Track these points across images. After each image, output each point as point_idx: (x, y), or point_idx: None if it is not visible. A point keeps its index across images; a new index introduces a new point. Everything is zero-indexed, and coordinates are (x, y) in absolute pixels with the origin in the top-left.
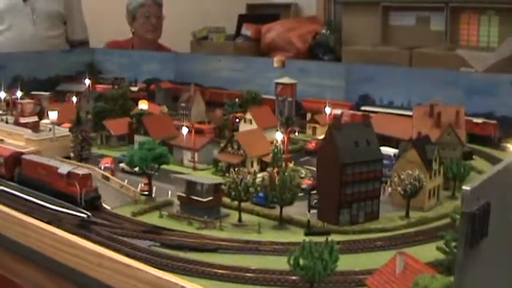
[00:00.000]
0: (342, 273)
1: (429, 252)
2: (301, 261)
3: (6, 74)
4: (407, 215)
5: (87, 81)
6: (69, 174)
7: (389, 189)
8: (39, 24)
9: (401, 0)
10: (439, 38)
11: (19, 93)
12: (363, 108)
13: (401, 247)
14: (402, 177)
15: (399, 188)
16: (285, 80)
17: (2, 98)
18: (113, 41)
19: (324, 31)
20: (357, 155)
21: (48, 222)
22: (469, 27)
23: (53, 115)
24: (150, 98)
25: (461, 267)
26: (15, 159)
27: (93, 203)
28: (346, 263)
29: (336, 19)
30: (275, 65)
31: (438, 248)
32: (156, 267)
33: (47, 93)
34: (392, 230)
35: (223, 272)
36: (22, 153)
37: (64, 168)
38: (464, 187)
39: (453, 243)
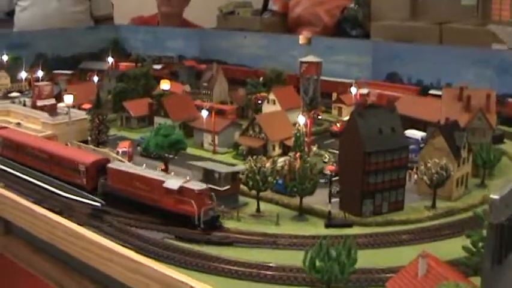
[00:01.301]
0: (363, 271)
1: (456, 248)
2: (317, 263)
3: (30, 52)
4: (433, 206)
5: (110, 59)
6: (182, 190)
7: (416, 176)
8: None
9: None
10: (470, 13)
11: (40, 73)
12: (432, 92)
13: (426, 242)
14: (428, 165)
15: (425, 177)
16: (310, 58)
17: (24, 77)
18: (138, 16)
19: (352, 5)
20: (380, 143)
21: (59, 212)
22: (501, 2)
23: (69, 99)
24: (174, 76)
25: (487, 284)
26: (99, 168)
27: (212, 223)
28: (367, 258)
29: None
30: (301, 41)
31: (464, 248)
32: (168, 263)
33: (68, 72)
34: (417, 222)
35: (238, 268)
36: (107, 161)
37: (172, 182)
38: (492, 195)
39: (480, 244)
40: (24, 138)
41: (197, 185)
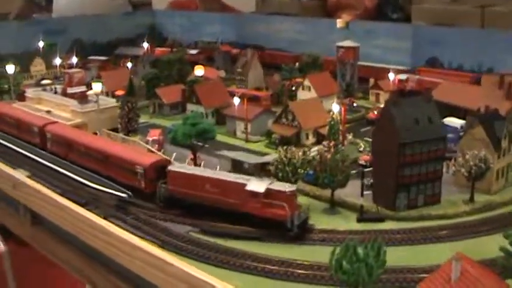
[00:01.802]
0: (394, 269)
1: (494, 246)
2: (344, 264)
3: (67, 38)
4: (471, 199)
5: (146, 45)
6: (269, 192)
7: (454, 167)
8: None
9: None
10: None
11: (74, 59)
12: None
13: (462, 239)
14: (467, 157)
15: (463, 170)
16: (347, 43)
17: (58, 64)
18: (176, 0)
19: None
20: (416, 134)
21: (85, 204)
22: None
23: (97, 86)
24: (210, 61)
25: None
26: (159, 170)
27: (304, 226)
28: (399, 255)
29: None
30: (338, 26)
31: (501, 249)
32: (191, 258)
33: (103, 58)
34: (454, 217)
35: (264, 266)
36: (167, 163)
37: (256, 184)
38: None
39: None
40: (76, 134)
41: (285, 186)
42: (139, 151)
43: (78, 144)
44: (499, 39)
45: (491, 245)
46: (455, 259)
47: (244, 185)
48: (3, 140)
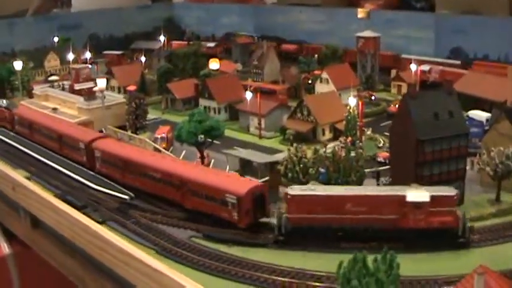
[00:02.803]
0: (411, 281)
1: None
2: (351, 278)
3: (83, 33)
4: (497, 199)
5: (162, 38)
6: (435, 199)
7: (478, 165)
8: None
9: None
10: None
11: (88, 54)
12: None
13: (486, 244)
14: (492, 154)
15: (488, 168)
16: (367, 33)
17: (71, 59)
18: None
19: None
20: (436, 130)
21: (83, 207)
22: None
23: (102, 82)
24: (227, 54)
25: None
26: (256, 198)
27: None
28: (420, 263)
29: None
30: (359, 15)
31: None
32: (191, 267)
33: (117, 52)
34: (478, 219)
35: (267, 276)
36: (265, 188)
37: (417, 194)
38: None
39: None
40: (134, 153)
41: (447, 190)
42: (226, 175)
43: (139, 166)
44: None
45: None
46: (478, 273)
47: (403, 197)
48: (41, 155)
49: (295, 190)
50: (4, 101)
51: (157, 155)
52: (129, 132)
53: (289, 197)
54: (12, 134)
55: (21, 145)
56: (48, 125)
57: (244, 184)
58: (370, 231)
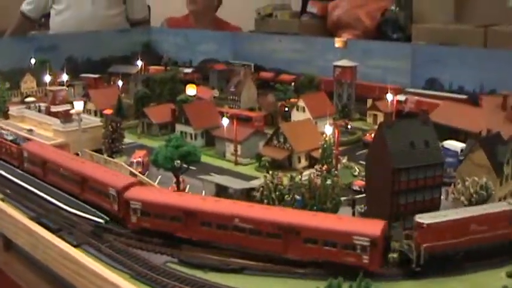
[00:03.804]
0: None
1: (496, 281)
2: None
3: (60, 55)
4: None
5: (140, 63)
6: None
7: (453, 194)
8: (98, 3)
9: None
10: None
11: (65, 77)
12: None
13: (461, 273)
14: (467, 184)
15: (463, 198)
16: (344, 62)
17: (48, 81)
18: (171, 18)
19: (393, 8)
20: (412, 159)
21: (58, 230)
22: None
23: (79, 105)
24: (205, 80)
25: None
26: (386, 238)
27: None
28: None
29: None
30: (336, 45)
31: (508, 275)
32: None
33: (94, 76)
34: None
35: None
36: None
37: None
38: None
39: None
40: (196, 201)
41: None
42: (342, 218)
43: (213, 216)
44: (501, 59)
45: (494, 281)
46: None
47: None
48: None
49: (425, 218)
50: (9, 133)
51: (221, 202)
52: (105, 156)
53: (424, 226)
54: (19, 172)
55: (31, 186)
56: (68, 165)
57: (373, 225)
58: (487, 248)
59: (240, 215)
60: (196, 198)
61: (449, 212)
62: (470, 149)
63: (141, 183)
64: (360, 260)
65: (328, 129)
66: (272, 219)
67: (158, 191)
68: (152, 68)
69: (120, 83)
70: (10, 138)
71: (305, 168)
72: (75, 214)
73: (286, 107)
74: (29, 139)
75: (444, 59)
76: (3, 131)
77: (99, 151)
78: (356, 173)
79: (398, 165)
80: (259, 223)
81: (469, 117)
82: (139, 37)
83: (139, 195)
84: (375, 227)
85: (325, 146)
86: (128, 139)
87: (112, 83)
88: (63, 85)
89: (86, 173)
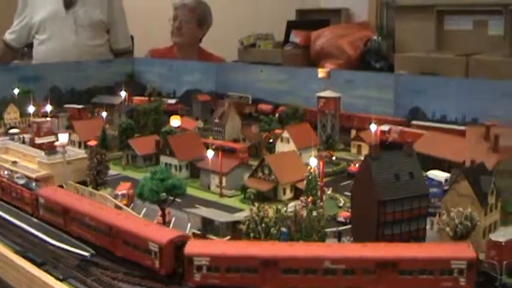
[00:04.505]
0: None
1: None
2: None
3: (44, 85)
4: None
5: (123, 93)
6: None
7: (438, 225)
8: (81, 33)
9: (456, 4)
10: (497, 43)
11: (49, 107)
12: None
13: None
14: (452, 214)
15: (448, 229)
16: (328, 93)
17: (31, 112)
18: (156, 49)
19: (375, 37)
20: (397, 190)
21: (42, 264)
22: None
23: (63, 137)
24: (189, 111)
25: None
26: None
27: None
28: None
29: (389, 25)
30: (320, 75)
31: None
32: None
33: (78, 106)
34: None
35: None
36: None
37: None
38: None
39: None
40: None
41: None
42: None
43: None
44: (483, 88)
45: None
46: None
47: None
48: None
49: (499, 236)
50: (21, 175)
51: (297, 245)
52: (89, 188)
53: (502, 244)
54: (34, 220)
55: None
56: (96, 215)
57: (463, 248)
58: None
59: (331, 256)
60: (269, 245)
61: None
62: (455, 179)
63: (184, 236)
64: (457, 283)
65: (313, 161)
66: (365, 255)
67: (219, 242)
68: (136, 99)
69: (104, 114)
70: (22, 182)
71: (290, 199)
72: (61, 247)
73: (270, 138)
74: (39, 181)
75: (427, 88)
76: (13, 173)
77: (83, 183)
78: (341, 204)
79: (384, 197)
80: (352, 262)
81: (452, 147)
82: (123, 67)
83: (202, 249)
84: (467, 249)
85: (310, 177)
86: (113, 171)
87: (96, 113)
88: (47, 116)
89: (117, 225)
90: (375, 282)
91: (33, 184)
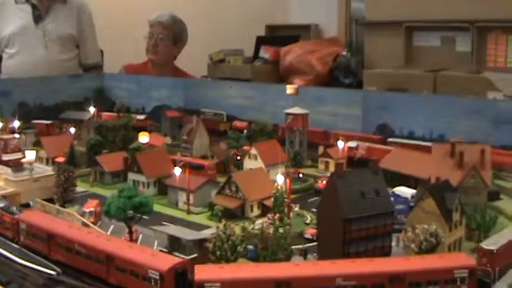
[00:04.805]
0: None
1: None
2: None
3: (12, 101)
4: None
5: (92, 109)
6: None
7: (403, 241)
8: (51, 47)
9: (425, 20)
10: (465, 60)
11: (17, 123)
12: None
13: None
14: (417, 231)
15: (413, 245)
16: (296, 110)
17: None
18: (129, 64)
19: (345, 53)
20: (363, 208)
21: (8, 283)
22: (496, 48)
23: (31, 155)
24: (157, 127)
25: None
26: None
27: None
28: None
29: (358, 41)
30: (288, 92)
31: None
32: None
33: (47, 122)
34: None
35: None
36: None
37: None
38: None
39: None
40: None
41: None
42: None
43: None
44: (450, 104)
45: None
46: None
47: None
48: None
49: (491, 245)
50: (2, 200)
51: (304, 265)
52: (57, 206)
53: (494, 251)
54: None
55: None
56: (87, 242)
57: (462, 257)
58: None
59: (343, 273)
60: (277, 266)
61: (503, 233)
62: (420, 196)
63: (185, 262)
64: None
65: (280, 178)
66: (376, 270)
67: (226, 267)
68: (105, 115)
69: (72, 129)
70: (1, 205)
71: (258, 216)
72: (26, 266)
73: (238, 155)
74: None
75: (394, 104)
76: None
77: (50, 200)
78: (308, 221)
79: (349, 215)
80: (363, 277)
81: (419, 164)
82: (92, 82)
83: (212, 275)
84: (466, 258)
85: (277, 194)
86: (81, 188)
87: (64, 129)
88: (14, 132)
89: (113, 252)
90: None
91: (14, 208)
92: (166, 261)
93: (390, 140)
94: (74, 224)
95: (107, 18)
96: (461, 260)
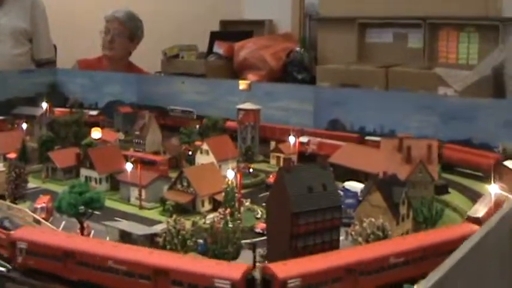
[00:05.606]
0: None
1: None
2: None
3: None
4: None
5: (44, 105)
6: None
7: (351, 235)
8: (3, 42)
9: (378, 17)
10: (417, 56)
11: None
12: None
13: None
14: (364, 225)
15: (360, 239)
16: (248, 105)
17: None
18: (83, 59)
19: (298, 49)
20: (310, 202)
21: None
22: (447, 45)
23: None
24: (110, 123)
25: None
26: None
27: None
28: None
29: (312, 36)
30: (240, 87)
31: None
32: None
33: None
34: None
35: None
36: None
37: None
38: None
39: None
40: None
41: None
42: None
43: None
44: (400, 100)
45: None
46: None
47: None
48: None
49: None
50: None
51: None
52: (8, 202)
53: None
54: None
55: None
56: (126, 257)
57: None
58: None
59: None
60: (344, 253)
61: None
62: (368, 190)
63: (250, 266)
64: None
65: (230, 174)
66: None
67: (295, 262)
68: (57, 111)
69: (24, 125)
70: None
71: (209, 211)
72: None
73: (190, 150)
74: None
75: (346, 100)
76: None
77: (1, 197)
78: (259, 216)
79: (297, 209)
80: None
81: (369, 159)
82: (44, 78)
83: (292, 271)
84: None
85: (227, 189)
86: (32, 184)
87: (16, 125)
88: None
89: (163, 265)
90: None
91: (6, 222)
92: (234, 269)
93: (368, 138)
94: (91, 239)
95: (61, 13)
96: None
